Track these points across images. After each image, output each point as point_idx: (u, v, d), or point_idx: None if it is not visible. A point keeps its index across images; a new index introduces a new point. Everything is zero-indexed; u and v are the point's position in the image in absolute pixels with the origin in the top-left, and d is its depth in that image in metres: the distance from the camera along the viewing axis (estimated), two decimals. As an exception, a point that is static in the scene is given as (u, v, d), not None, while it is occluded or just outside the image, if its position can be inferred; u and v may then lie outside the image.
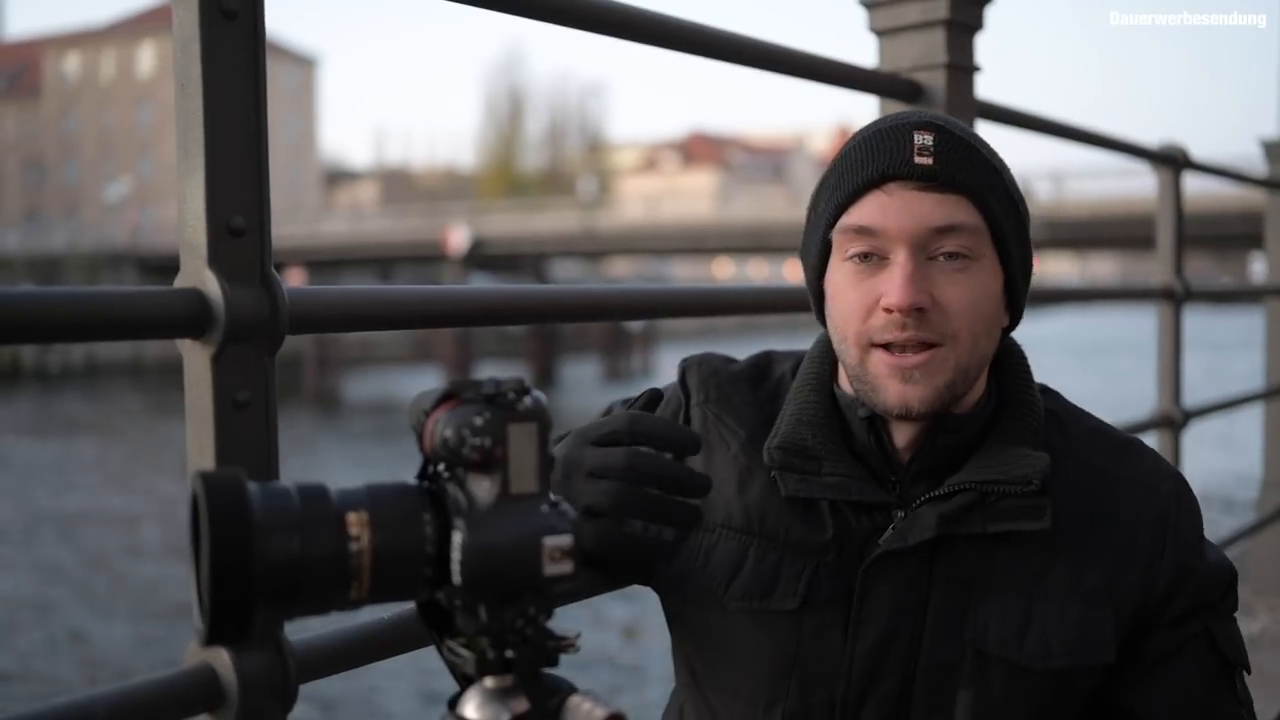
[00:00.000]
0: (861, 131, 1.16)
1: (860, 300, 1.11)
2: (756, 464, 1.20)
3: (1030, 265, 1.17)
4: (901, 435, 1.16)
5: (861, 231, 1.11)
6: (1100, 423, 1.24)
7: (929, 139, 1.09)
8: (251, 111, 1.01)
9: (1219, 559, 1.18)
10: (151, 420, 25.88)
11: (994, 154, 1.14)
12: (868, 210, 1.10)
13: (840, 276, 1.14)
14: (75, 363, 38.36)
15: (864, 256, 1.11)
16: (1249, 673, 1.19)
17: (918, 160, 1.08)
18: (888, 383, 1.11)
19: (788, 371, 1.28)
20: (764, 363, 1.31)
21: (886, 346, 1.10)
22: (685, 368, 1.31)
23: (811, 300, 1.23)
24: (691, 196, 62.65)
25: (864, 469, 1.16)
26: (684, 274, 69.13)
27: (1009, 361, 1.22)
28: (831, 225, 1.14)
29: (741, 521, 1.19)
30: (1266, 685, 3.23)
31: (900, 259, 1.09)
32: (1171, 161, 3.26)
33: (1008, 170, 1.15)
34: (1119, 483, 1.17)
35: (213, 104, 0.99)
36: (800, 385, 1.22)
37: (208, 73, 0.98)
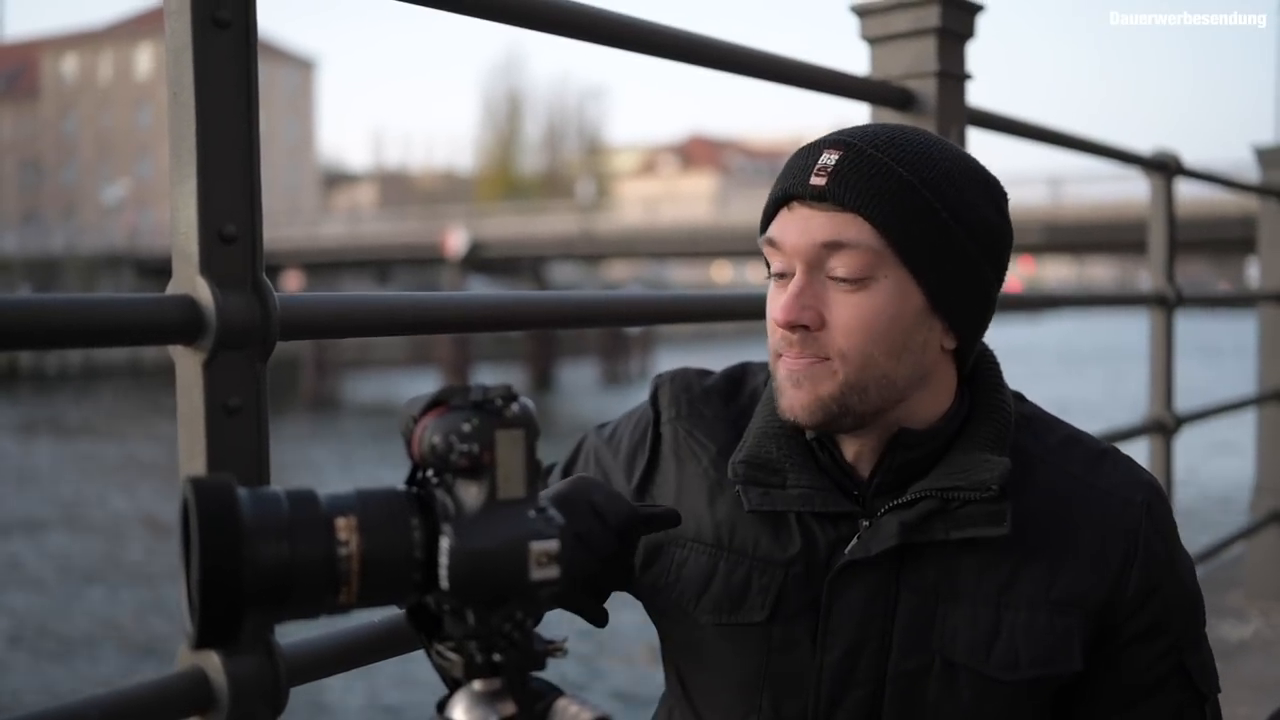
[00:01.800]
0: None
1: (771, 313, 1.14)
2: (726, 478, 1.20)
3: (980, 284, 1.13)
4: (850, 452, 1.17)
5: (770, 246, 1.14)
6: (1077, 431, 1.24)
7: (833, 158, 1.10)
8: (244, 120, 1.02)
9: (1188, 577, 1.17)
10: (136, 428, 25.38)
11: (922, 167, 1.10)
12: (776, 226, 1.14)
13: (770, 290, 1.17)
14: (73, 365, 38.28)
15: (780, 274, 1.14)
16: (1220, 692, 1.19)
17: (813, 180, 1.09)
18: (784, 387, 1.13)
19: (761, 384, 1.28)
20: (739, 375, 1.31)
21: (784, 358, 1.13)
22: (658, 385, 1.31)
23: None
24: (690, 199, 62.60)
25: (828, 480, 1.16)
26: (683, 277, 69.10)
27: (979, 370, 1.21)
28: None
29: (711, 536, 1.20)
30: (1258, 689, 3.24)
31: (796, 275, 1.11)
32: (1163, 168, 3.27)
33: (949, 182, 1.10)
34: (1092, 491, 1.16)
35: (205, 113, 1.00)
36: (767, 399, 1.22)
37: (200, 81, 0.99)
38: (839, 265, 1.09)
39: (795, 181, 1.11)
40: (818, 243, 1.09)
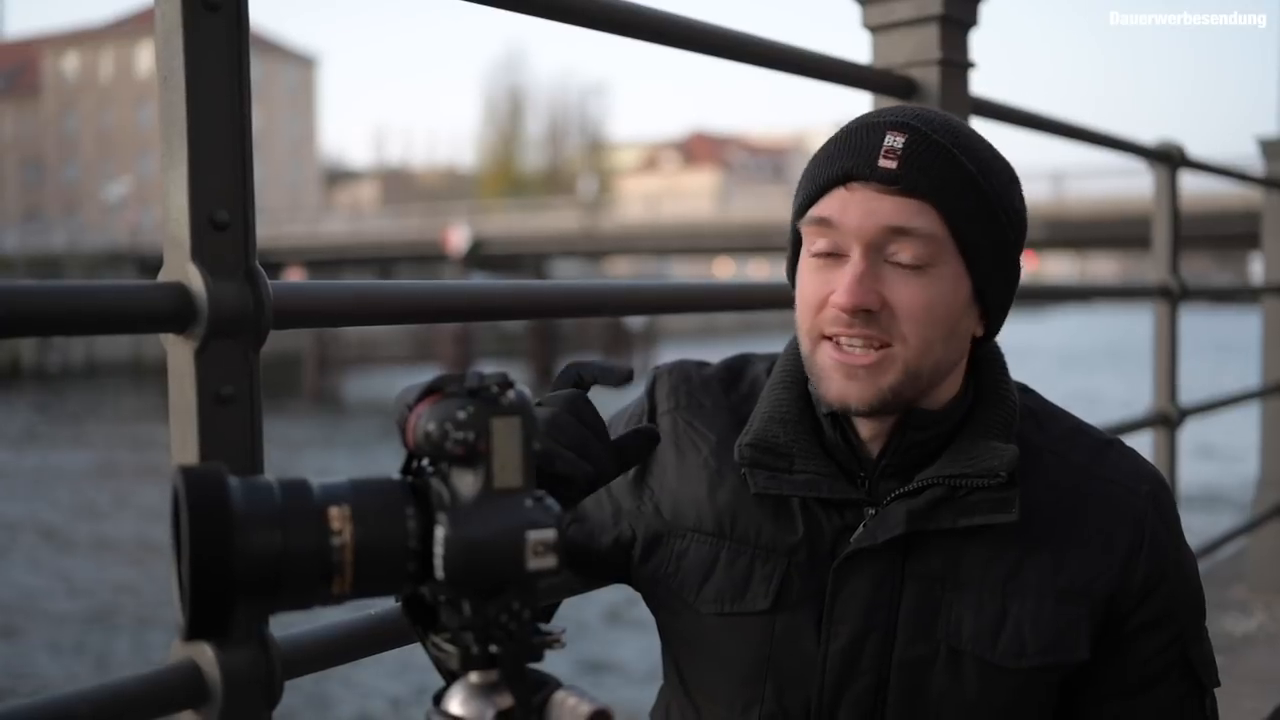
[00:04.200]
0: (844, 126, 1.15)
1: (815, 293, 1.11)
2: (727, 467, 1.20)
3: (1013, 276, 1.15)
4: (867, 430, 1.15)
5: (822, 224, 1.11)
6: (1081, 422, 1.24)
7: (899, 140, 1.08)
8: (235, 104, 1.01)
9: (1191, 569, 1.18)
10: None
11: (978, 158, 1.11)
12: (830, 205, 1.10)
13: (804, 268, 1.14)
14: (75, 362, 38.31)
15: (826, 253, 1.11)
16: (1219, 685, 1.20)
17: (882, 162, 1.07)
18: (831, 375, 1.11)
19: (762, 373, 1.27)
20: (738, 365, 1.30)
21: (836, 340, 1.10)
22: (655, 377, 1.31)
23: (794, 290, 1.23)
24: (692, 196, 62.64)
25: (835, 466, 1.16)
26: (685, 274, 69.12)
27: (985, 360, 1.21)
28: (800, 216, 1.14)
29: (713, 525, 1.19)
30: (1262, 682, 3.22)
31: (855, 257, 1.09)
32: (1168, 159, 3.25)
33: (997, 175, 1.12)
34: (1097, 481, 1.16)
35: (196, 97, 0.98)
36: (774, 383, 1.21)
37: (190, 65, 0.97)
38: (902, 250, 1.08)
39: (859, 161, 1.09)
40: (884, 226, 1.08)
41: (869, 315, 1.08)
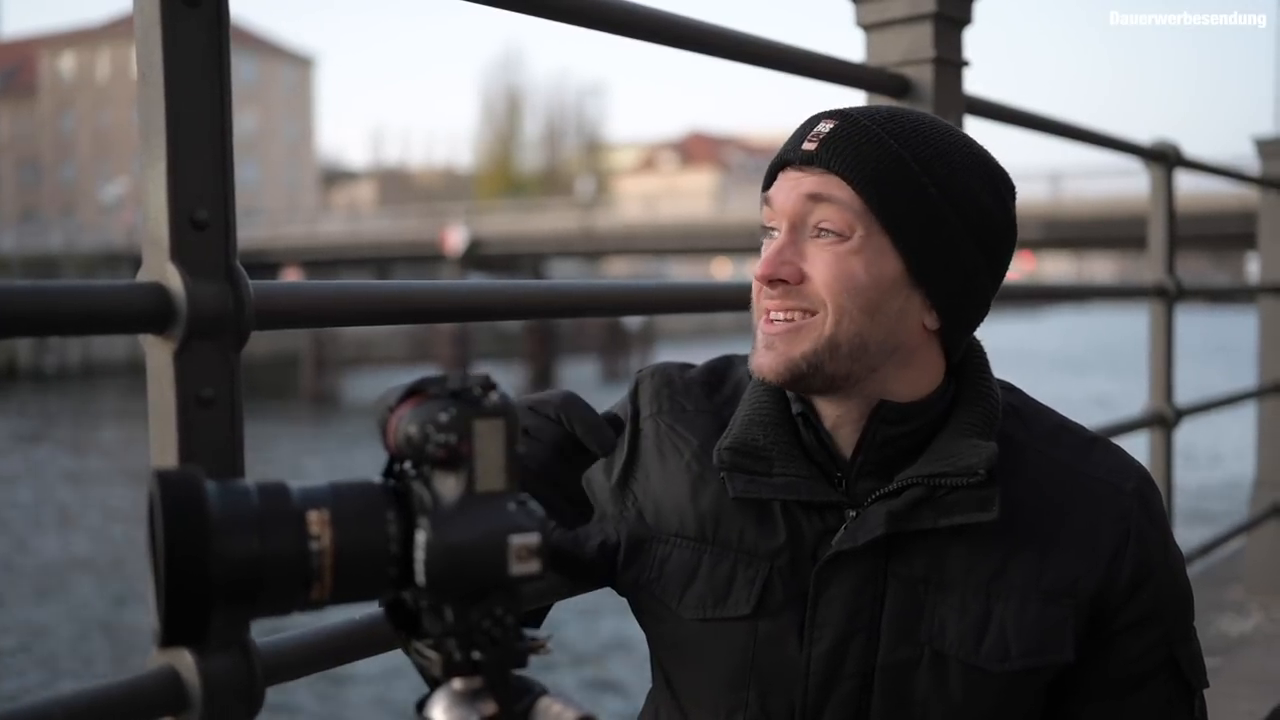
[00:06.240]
0: None
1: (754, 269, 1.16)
2: (709, 471, 1.19)
3: (957, 262, 1.11)
4: (832, 426, 1.15)
5: (767, 208, 1.16)
6: (1065, 419, 1.23)
7: (827, 127, 1.12)
8: (216, 102, 0.99)
9: (1179, 567, 1.17)
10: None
11: (916, 142, 1.10)
12: (771, 189, 1.16)
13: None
14: (72, 363, 38.29)
15: (769, 230, 1.16)
16: (1207, 686, 1.19)
17: (804, 146, 1.12)
18: (758, 348, 1.14)
19: (745, 374, 1.26)
20: (722, 367, 1.30)
21: (769, 315, 1.13)
22: (639, 380, 1.30)
23: None
24: (689, 196, 62.68)
25: (815, 469, 1.15)
26: (683, 274, 69.16)
27: (965, 358, 1.19)
28: None
29: (695, 530, 1.19)
30: (1259, 684, 3.22)
31: (781, 232, 1.13)
32: (1163, 158, 3.24)
33: (942, 160, 1.10)
34: (1082, 479, 1.15)
35: (175, 94, 0.97)
36: (754, 384, 1.20)
37: (169, 62, 0.96)
38: (819, 220, 1.10)
39: (790, 147, 1.14)
40: (801, 195, 1.11)
41: (787, 287, 1.11)
